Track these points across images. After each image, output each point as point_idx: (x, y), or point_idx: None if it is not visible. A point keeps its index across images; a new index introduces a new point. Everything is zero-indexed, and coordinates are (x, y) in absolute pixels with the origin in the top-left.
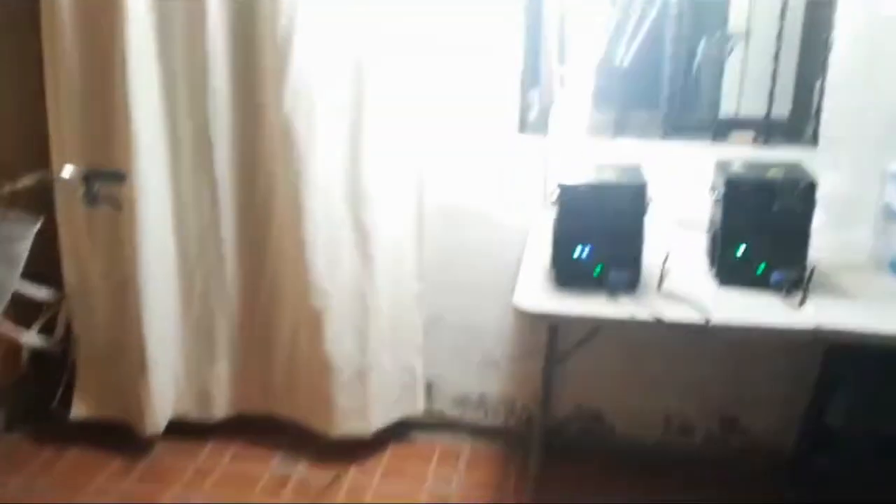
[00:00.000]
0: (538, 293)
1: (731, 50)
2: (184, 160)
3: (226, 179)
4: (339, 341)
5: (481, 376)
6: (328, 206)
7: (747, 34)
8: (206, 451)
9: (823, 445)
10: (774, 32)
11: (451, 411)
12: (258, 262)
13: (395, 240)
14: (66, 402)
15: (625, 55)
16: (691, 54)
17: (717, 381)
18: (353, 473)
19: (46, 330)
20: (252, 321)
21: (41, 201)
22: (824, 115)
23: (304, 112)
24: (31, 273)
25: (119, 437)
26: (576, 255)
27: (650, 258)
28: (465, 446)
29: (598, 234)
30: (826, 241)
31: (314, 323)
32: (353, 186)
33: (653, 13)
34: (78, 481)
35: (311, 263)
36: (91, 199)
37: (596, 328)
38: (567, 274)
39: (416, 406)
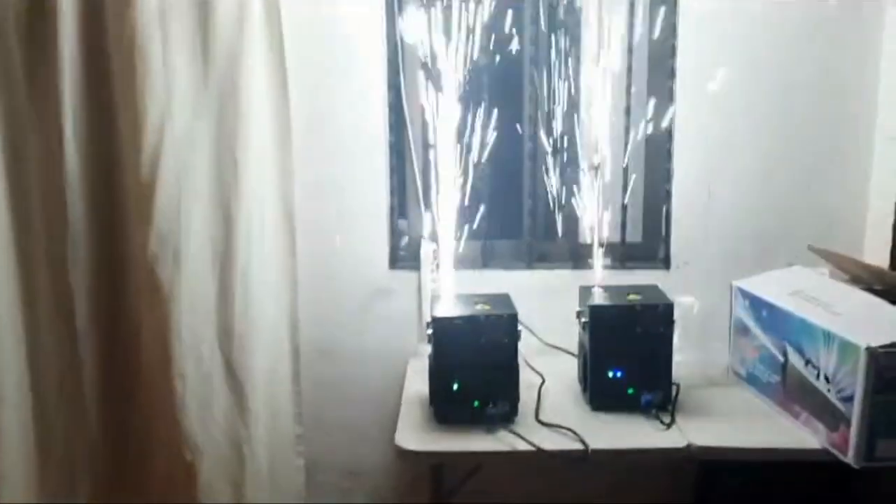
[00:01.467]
0: (419, 431)
1: (589, 178)
2: (40, 309)
3: (85, 328)
4: (213, 493)
5: None
6: (198, 352)
7: (598, 168)
8: None
9: None
10: (622, 165)
11: None
12: (125, 417)
13: (270, 382)
14: None
15: (486, 188)
16: (550, 187)
17: (599, 501)
18: None
19: None
20: (120, 479)
21: None
22: (672, 239)
23: (170, 254)
24: None
25: None
26: (453, 389)
27: (526, 386)
28: None
29: (473, 367)
30: (686, 359)
31: (186, 477)
32: (224, 329)
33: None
34: None
35: (182, 415)
36: None
37: (480, 463)
38: (446, 409)
39: None
